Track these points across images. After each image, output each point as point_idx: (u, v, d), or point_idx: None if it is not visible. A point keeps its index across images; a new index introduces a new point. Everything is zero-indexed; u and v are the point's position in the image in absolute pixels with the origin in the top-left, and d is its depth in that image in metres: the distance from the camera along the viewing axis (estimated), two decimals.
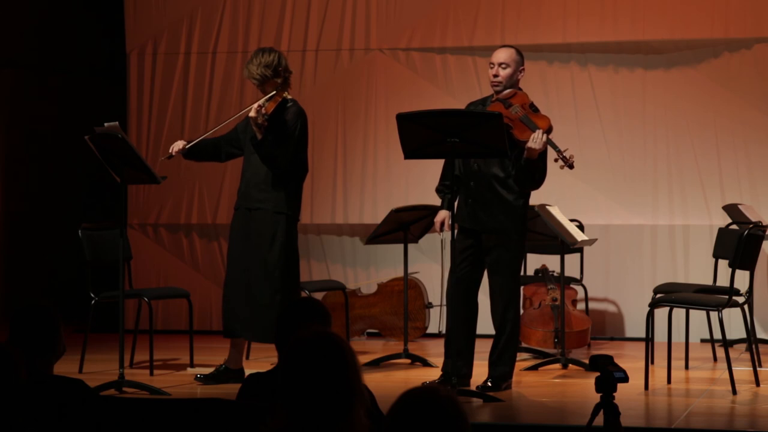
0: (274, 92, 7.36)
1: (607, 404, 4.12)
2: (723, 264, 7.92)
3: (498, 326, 7.08)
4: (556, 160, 6.99)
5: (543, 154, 6.97)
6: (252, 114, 7.26)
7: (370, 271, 10.28)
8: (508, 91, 7.08)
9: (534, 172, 6.93)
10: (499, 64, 7.05)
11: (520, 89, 7.13)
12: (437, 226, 7.23)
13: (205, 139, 7.59)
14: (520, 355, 8.39)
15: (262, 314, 7.29)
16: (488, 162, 6.99)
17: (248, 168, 7.47)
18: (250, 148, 7.42)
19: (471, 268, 7.04)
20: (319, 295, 9.24)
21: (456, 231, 6.85)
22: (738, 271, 7.22)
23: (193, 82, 10.52)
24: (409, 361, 8.23)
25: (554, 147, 6.96)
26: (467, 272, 7.02)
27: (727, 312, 7.21)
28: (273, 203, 7.36)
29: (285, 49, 10.32)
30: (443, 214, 7.19)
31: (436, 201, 8.53)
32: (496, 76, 7.05)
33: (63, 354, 4.36)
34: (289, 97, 7.46)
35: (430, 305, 9.76)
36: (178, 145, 7.53)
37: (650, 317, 7.26)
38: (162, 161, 7.74)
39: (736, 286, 7.18)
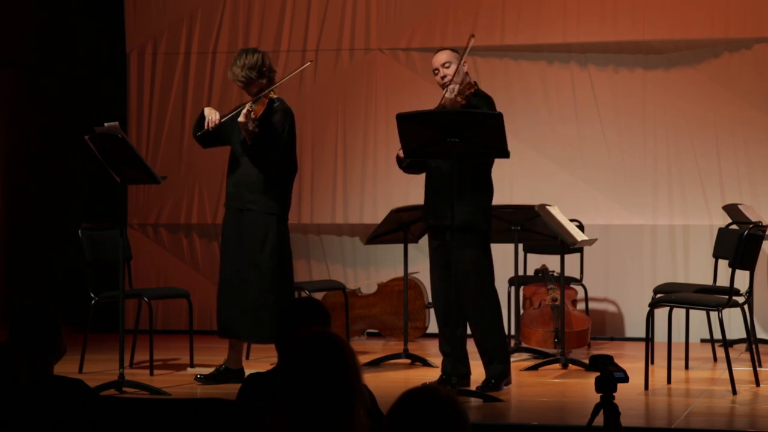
0: (261, 94, 7.31)
1: (607, 404, 4.12)
2: (723, 264, 7.92)
3: (473, 328, 7.08)
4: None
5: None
6: (241, 119, 7.20)
7: (370, 271, 10.28)
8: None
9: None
10: (442, 65, 7.12)
11: (472, 82, 7.10)
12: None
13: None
14: (520, 355, 8.40)
15: (255, 315, 7.31)
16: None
17: (237, 169, 7.44)
18: (239, 150, 7.40)
19: (444, 269, 7.02)
20: (319, 295, 9.24)
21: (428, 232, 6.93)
22: (738, 271, 7.22)
23: (193, 82, 10.51)
24: (409, 361, 8.23)
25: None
26: (442, 273, 7.02)
27: (727, 312, 7.21)
28: (264, 204, 7.36)
29: (285, 49, 10.33)
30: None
31: None
32: (444, 77, 7.09)
33: (63, 355, 4.36)
34: (276, 96, 7.44)
35: (430, 305, 9.75)
36: (214, 118, 7.35)
37: (650, 317, 7.26)
38: (198, 136, 7.46)
39: (736, 286, 7.18)
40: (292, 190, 7.55)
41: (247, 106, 7.27)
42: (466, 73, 7.14)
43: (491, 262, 7.14)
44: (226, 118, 7.42)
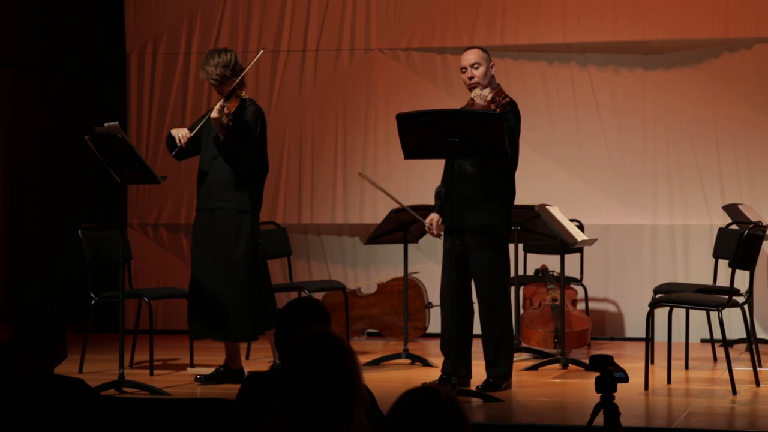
0: (233, 92, 7.37)
1: (607, 404, 4.12)
2: (723, 264, 7.92)
3: (484, 328, 7.08)
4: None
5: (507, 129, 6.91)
6: (214, 114, 7.28)
7: (370, 271, 10.28)
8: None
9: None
10: (471, 65, 7.08)
11: (498, 85, 7.13)
12: (427, 228, 7.23)
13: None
14: (520, 355, 8.39)
15: (230, 314, 7.34)
16: (467, 160, 6.99)
17: (210, 169, 7.48)
18: (212, 149, 7.43)
19: (460, 269, 7.02)
20: (319, 295, 9.24)
21: (444, 232, 6.93)
22: (738, 271, 7.22)
23: (193, 82, 10.51)
24: (409, 361, 8.23)
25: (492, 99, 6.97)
26: (456, 273, 7.01)
27: (727, 312, 7.21)
28: (237, 202, 7.39)
29: (285, 49, 10.33)
30: (431, 217, 7.19)
31: None
32: (471, 78, 7.06)
33: (64, 359, 4.36)
34: (247, 96, 7.48)
35: (430, 305, 9.76)
36: (183, 134, 7.43)
37: (650, 317, 7.26)
38: (174, 155, 7.61)
39: (736, 286, 7.18)
40: (266, 188, 7.63)
41: (220, 103, 7.34)
42: (493, 77, 7.12)
43: (507, 267, 7.15)
44: (197, 127, 7.48)
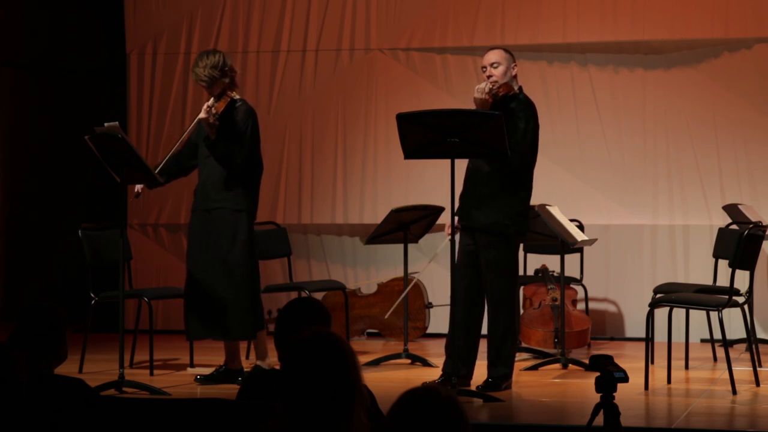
0: (222, 92, 7.41)
1: (607, 404, 4.12)
2: (723, 264, 7.92)
3: (489, 327, 7.08)
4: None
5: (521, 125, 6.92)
6: (202, 115, 7.35)
7: (370, 271, 10.28)
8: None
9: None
10: (491, 65, 7.10)
11: (519, 87, 7.13)
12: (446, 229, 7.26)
13: (168, 160, 7.57)
14: (520, 355, 8.39)
15: (228, 313, 7.35)
16: (480, 159, 7.00)
17: (204, 169, 7.51)
18: (204, 150, 7.46)
19: (472, 268, 7.03)
20: (319, 295, 9.24)
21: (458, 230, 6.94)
22: (738, 271, 7.22)
23: (192, 82, 10.50)
24: (409, 361, 8.23)
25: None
26: (468, 272, 7.02)
27: (727, 312, 7.21)
28: (232, 202, 7.42)
29: (285, 49, 10.33)
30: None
31: (436, 201, 8.56)
32: (490, 76, 7.07)
33: (64, 360, 4.36)
34: (238, 97, 7.51)
35: (430, 305, 9.76)
36: (140, 187, 7.55)
37: (650, 317, 7.26)
38: (133, 201, 7.84)
39: (736, 286, 7.18)
40: (263, 188, 7.72)
41: (209, 102, 7.40)
42: (514, 77, 7.12)
43: (514, 267, 7.15)
44: (193, 125, 7.54)
